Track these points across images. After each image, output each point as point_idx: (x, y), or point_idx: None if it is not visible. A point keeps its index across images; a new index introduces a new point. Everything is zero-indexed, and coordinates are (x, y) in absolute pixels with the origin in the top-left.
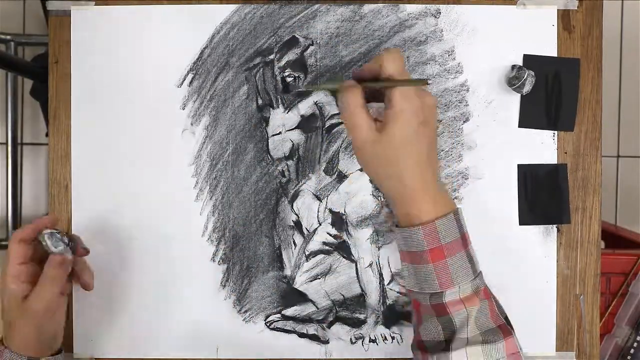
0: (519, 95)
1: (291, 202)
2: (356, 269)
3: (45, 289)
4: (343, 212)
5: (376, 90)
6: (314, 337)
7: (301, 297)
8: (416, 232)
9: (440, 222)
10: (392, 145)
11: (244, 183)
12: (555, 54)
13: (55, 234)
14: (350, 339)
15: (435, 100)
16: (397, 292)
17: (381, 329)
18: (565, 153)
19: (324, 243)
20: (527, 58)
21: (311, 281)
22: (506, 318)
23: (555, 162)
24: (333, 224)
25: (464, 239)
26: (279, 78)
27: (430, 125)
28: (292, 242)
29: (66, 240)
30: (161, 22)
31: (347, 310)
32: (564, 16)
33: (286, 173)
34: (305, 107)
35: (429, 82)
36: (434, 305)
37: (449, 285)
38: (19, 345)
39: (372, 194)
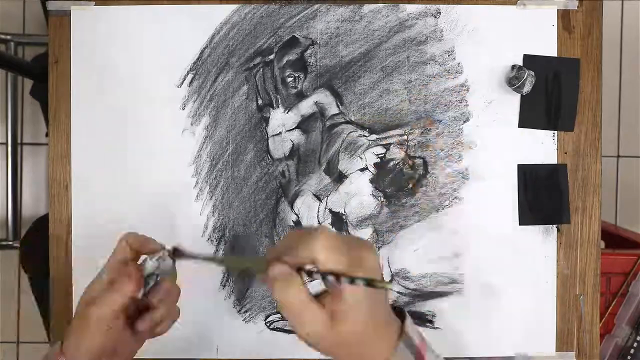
0: (519, 95)
1: (291, 202)
2: None
3: (101, 306)
4: (343, 212)
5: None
6: None
7: None
8: None
9: None
10: (351, 339)
11: (244, 183)
12: (555, 54)
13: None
14: None
15: (376, 255)
16: (397, 292)
17: None
18: (565, 153)
19: None
20: (527, 58)
21: (311, 281)
22: None
23: (555, 162)
24: (333, 224)
25: (418, 356)
26: (279, 78)
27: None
28: None
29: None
30: (161, 22)
31: None
32: (564, 16)
33: (286, 173)
34: (305, 107)
35: (389, 286)
36: None
37: None
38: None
39: (372, 194)
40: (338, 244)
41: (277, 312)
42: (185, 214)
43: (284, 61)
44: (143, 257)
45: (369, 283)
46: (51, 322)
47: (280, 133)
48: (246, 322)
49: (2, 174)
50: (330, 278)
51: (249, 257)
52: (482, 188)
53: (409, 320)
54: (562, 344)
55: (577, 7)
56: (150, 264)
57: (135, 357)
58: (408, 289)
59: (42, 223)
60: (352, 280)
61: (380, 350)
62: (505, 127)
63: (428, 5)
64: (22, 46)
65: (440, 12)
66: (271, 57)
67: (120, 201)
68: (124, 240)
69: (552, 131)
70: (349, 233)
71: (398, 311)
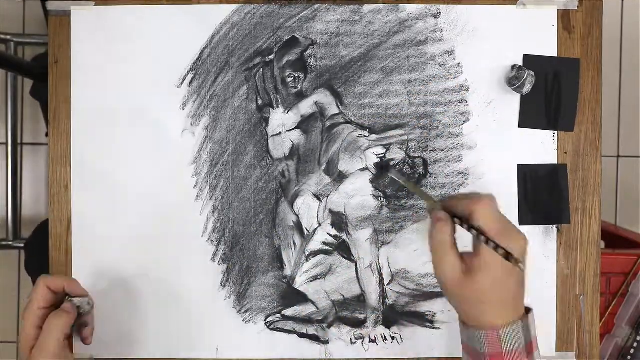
0: (519, 95)
1: (291, 202)
2: (356, 269)
3: (49, 339)
4: (343, 212)
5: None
6: (314, 338)
7: (301, 298)
8: (479, 335)
9: (504, 330)
10: (476, 291)
11: (244, 183)
12: (555, 54)
13: (86, 301)
14: (350, 339)
15: (526, 243)
16: (397, 292)
17: (381, 329)
18: (565, 153)
19: (324, 243)
20: (527, 58)
21: (311, 281)
22: None
23: (555, 162)
24: (333, 224)
25: (529, 347)
26: (279, 78)
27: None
28: (292, 243)
29: (90, 306)
30: (161, 22)
31: (347, 311)
32: (564, 16)
33: (286, 173)
34: (305, 107)
35: (522, 267)
36: None
37: None
38: None
39: (372, 194)
40: (498, 214)
41: (277, 313)
42: (185, 214)
43: (284, 61)
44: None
45: (507, 256)
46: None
47: (280, 133)
48: (246, 322)
49: (2, 174)
50: (476, 233)
51: (428, 194)
52: (482, 188)
53: (533, 316)
54: (562, 344)
55: (577, 7)
56: (87, 307)
57: (136, 357)
58: (408, 289)
59: (44, 227)
60: (495, 247)
61: (496, 315)
62: (505, 127)
63: (428, 5)
64: (22, 46)
65: (440, 12)
66: (271, 57)
67: (120, 201)
68: (43, 284)
69: (552, 131)
70: (349, 233)
71: (527, 309)
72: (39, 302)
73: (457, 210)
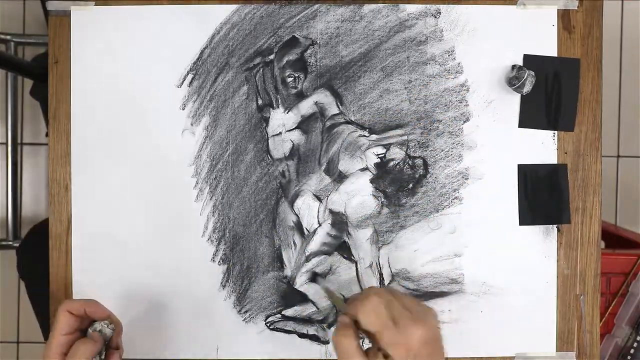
0: (519, 95)
1: (291, 202)
2: (356, 269)
3: None
4: (343, 212)
5: None
6: (314, 338)
7: (301, 298)
8: None
9: None
10: None
11: (244, 183)
12: (555, 54)
13: (106, 324)
14: None
15: (424, 332)
16: None
17: None
18: (565, 153)
19: (324, 243)
20: (527, 58)
21: (311, 281)
22: None
23: (555, 162)
24: (333, 224)
25: None
26: (279, 78)
27: (423, 356)
28: (292, 243)
29: (111, 329)
30: (161, 22)
31: None
32: (564, 16)
33: (286, 173)
34: (305, 107)
35: None
36: None
37: None
38: None
39: (372, 194)
40: (382, 309)
41: (278, 313)
42: (185, 214)
43: (284, 61)
44: (97, 324)
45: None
46: (51, 320)
47: (280, 133)
48: (246, 322)
49: (2, 174)
50: (363, 336)
51: (340, 301)
52: (482, 188)
53: None
54: (563, 344)
55: (577, 7)
56: (108, 331)
57: (136, 357)
58: (408, 289)
59: (38, 230)
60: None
61: None
62: (505, 127)
63: (428, 5)
64: (22, 46)
65: (440, 12)
66: (271, 57)
67: (120, 201)
68: (64, 310)
69: (552, 131)
70: (349, 233)
71: None
72: (62, 329)
73: (349, 315)
